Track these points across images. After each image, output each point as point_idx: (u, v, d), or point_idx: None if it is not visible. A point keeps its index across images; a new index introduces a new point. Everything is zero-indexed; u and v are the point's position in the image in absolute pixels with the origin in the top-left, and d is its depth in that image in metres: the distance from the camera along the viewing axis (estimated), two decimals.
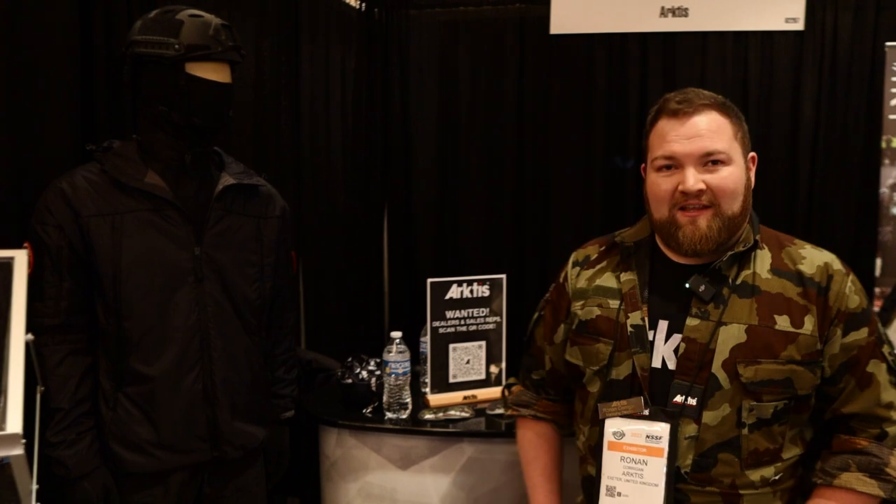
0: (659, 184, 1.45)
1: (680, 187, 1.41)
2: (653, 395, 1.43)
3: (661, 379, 1.44)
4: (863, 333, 1.42)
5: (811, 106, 3.19)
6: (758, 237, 1.48)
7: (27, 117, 1.87)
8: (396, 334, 2.21)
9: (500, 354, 2.39)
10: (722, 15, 3.24)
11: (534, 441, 1.72)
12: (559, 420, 1.72)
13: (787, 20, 3.19)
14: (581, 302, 1.58)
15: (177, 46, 1.66)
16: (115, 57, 1.93)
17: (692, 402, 1.40)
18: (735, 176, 1.41)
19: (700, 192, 1.39)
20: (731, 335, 1.40)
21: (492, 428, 2.15)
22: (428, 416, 2.19)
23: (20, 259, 1.58)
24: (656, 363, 1.45)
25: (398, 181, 3.47)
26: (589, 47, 3.33)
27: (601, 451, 1.47)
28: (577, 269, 1.64)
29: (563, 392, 1.70)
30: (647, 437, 1.43)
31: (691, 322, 1.43)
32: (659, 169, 1.45)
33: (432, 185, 3.48)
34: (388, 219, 3.50)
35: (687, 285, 1.44)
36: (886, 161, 3.02)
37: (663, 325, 1.46)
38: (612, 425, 1.47)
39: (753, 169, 1.48)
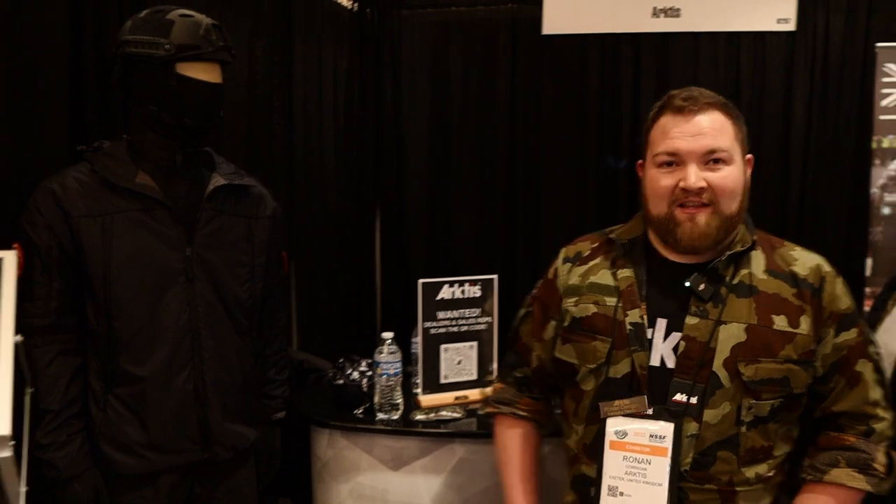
0: (659, 179, 1.45)
1: (681, 184, 1.42)
2: (652, 394, 1.44)
3: (660, 377, 1.44)
4: (853, 334, 1.46)
5: (803, 106, 3.20)
6: (755, 238, 1.50)
7: (17, 118, 1.86)
8: (388, 335, 2.21)
9: (491, 355, 2.39)
10: (714, 15, 3.24)
11: (512, 440, 1.71)
12: (540, 419, 1.72)
13: (778, 21, 3.20)
14: (574, 298, 1.57)
15: (167, 46, 1.66)
16: (106, 57, 1.92)
17: (693, 400, 1.41)
18: (735, 176, 1.43)
19: (701, 189, 1.41)
20: (731, 334, 1.42)
21: (483, 429, 2.14)
22: (419, 417, 2.19)
23: (9, 260, 1.58)
24: (655, 361, 1.45)
25: (390, 181, 3.46)
26: (581, 48, 3.33)
27: (602, 451, 1.47)
28: (569, 265, 1.63)
29: (547, 391, 1.70)
30: (651, 436, 1.42)
31: (691, 321, 1.43)
32: (660, 165, 1.46)
33: (424, 185, 3.48)
34: (380, 219, 3.49)
35: (687, 284, 1.45)
36: (877, 161, 3.03)
37: (662, 323, 1.46)
38: (613, 424, 1.46)
39: (750, 170, 1.50)
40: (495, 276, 2.39)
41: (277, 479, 2.20)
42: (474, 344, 2.36)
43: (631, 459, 1.44)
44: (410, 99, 3.44)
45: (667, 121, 1.46)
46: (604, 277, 1.55)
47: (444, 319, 2.32)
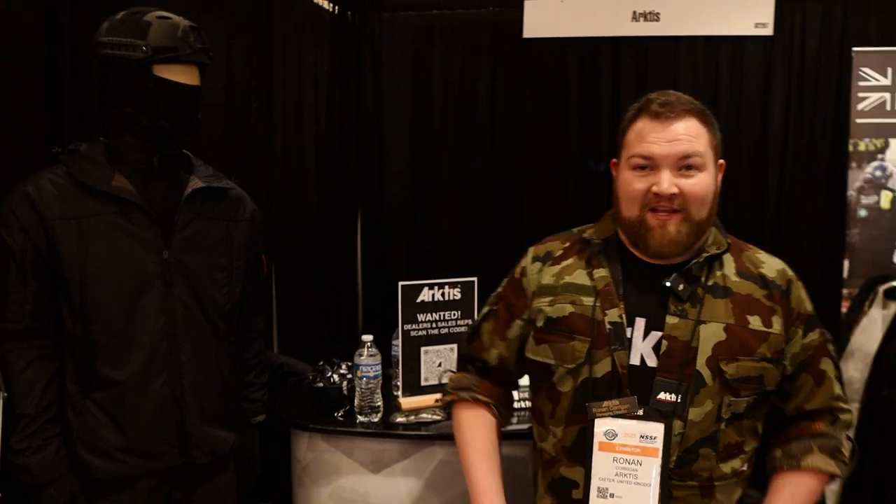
0: (632, 182, 1.47)
1: (654, 188, 1.43)
2: (633, 393, 1.45)
3: (640, 376, 1.45)
4: (817, 334, 1.53)
5: (780, 109, 3.24)
6: (729, 241, 1.54)
7: None
8: (367, 338, 2.21)
9: None
10: (693, 20, 3.27)
11: (471, 422, 1.67)
12: (499, 407, 1.69)
13: (756, 25, 3.23)
14: (549, 298, 1.56)
15: (144, 48, 1.65)
16: (82, 59, 1.91)
17: (677, 399, 1.42)
18: (706, 183, 1.45)
19: (673, 196, 1.43)
20: (711, 333, 1.44)
21: None
22: (399, 420, 2.19)
23: None
24: (635, 360, 1.46)
25: (371, 183, 3.47)
26: (562, 51, 3.35)
27: (590, 453, 1.46)
28: (539, 264, 1.63)
29: (507, 385, 1.71)
30: (642, 436, 1.43)
31: (671, 320, 1.45)
32: (634, 168, 1.47)
33: (405, 187, 3.49)
34: (361, 221, 3.50)
35: (668, 284, 1.46)
36: (853, 164, 3.07)
37: (640, 322, 1.48)
38: (602, 425, 1.45)
39: (721, 176, 1.52)
40: (475, 279, 2.39)
41: (257, 482, 2.18)
42: (454, 346, 2.36)
43: (621, 461, 1.44)
44: (391, 101, 3.45)
45: (644, 125, 1.47)
46: (579, 277, 1.55)
47: (424, 322, 2.32)
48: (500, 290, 1.71)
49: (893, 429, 2.41)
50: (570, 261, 1.59)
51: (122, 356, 1.69)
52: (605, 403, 1.45)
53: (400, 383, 2.33)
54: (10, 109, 1.88)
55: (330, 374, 2.35)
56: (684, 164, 1.43)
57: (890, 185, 3.05)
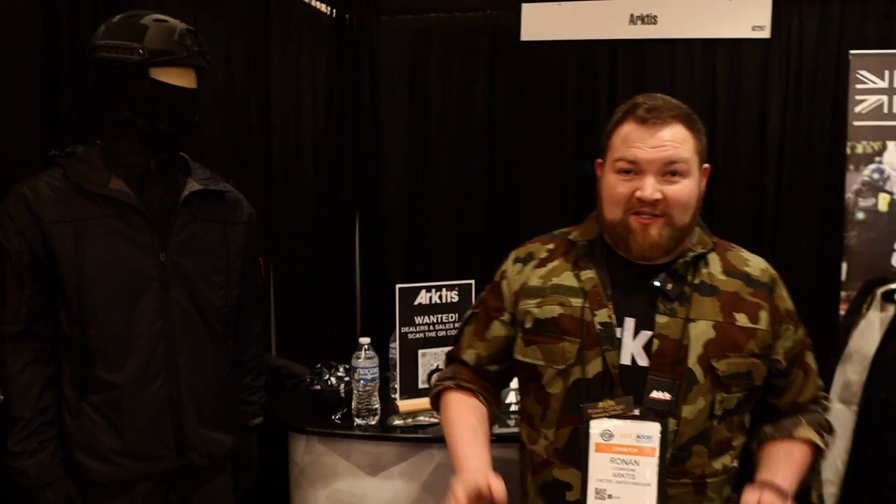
0: (616, 186, 1.48)
1: (638, 194, 1.45)
2: (625, 393, 1.45)
3: (632, 376, 1.46)
4: (801, 329, 1.58)
5: (778, 112, 3.24)
6: (714, 241, 1.57)
7: None
8: (364, 340, 2.21)
9: None
10: (690, 22, 3.28)
11: (455, 403, 1.63)
12: (484, 395, 1.66)
13: (753, 28, 3.23)
14: (537, 300, 1.57)
15: (141, 51, 1.65)
16: (79, 62, 1.91)
17: (671, 397, 1.43)
18: (689, 189, 1.47)
19: (656, 201, 1.44)
20: (701, 331, 1.46)
21: None
22: (397, 422, 2.19)
23: None
24: (625, 360, 1.47)
25: (369, 186, 3.47)
26: (559, 54, 3.36)
27: (587, 454, 1.46)
28: (519, 265, 1.64)
29: (491, 383, 1.69)
30: (638, 436, 1.43)
31: (661, 319, 1.46)
32: (619, 171, 1.48)
33: (403, 190, 3.49)
34: (359, 224, 3.50)
35: (657, 283, 1.48)
36: (851, 167, 3.07)
37: (630, 322, 1.48)
38: (597, 426, 1.45)
39: (705, 180, 1.54)
40: (472, 282, 2.39)
41: (254, 485, 2.18)
42: None
43: (619, 461, 1.44)
44: (389, 104, 3.45)
45: (630, 129, 1.48)
46: (567, 279, 1.56)
47: (421, 325, 2.32)
48: (482, 294, 1.73)
49: (891, 431, 2.40)
50: (556, 262, 1.60)
51: (119, 359, 1.69)
52: (601, 404, 1.45)
53: (397, 386, 2.33)
54: (7, 112, 1.88)
55: (327, 376, 2.35)
56: (669, 170, 1.45)
57: (888, 187, 3.05)
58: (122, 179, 1.72)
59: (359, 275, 3.52)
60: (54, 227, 1.64)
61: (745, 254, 1.60)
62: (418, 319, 2.32)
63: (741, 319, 1.48)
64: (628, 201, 1.46)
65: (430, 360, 2.33)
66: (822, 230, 3.24)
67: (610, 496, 1.44)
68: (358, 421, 2.18)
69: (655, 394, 1.44)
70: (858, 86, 3.05)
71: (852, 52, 3.06)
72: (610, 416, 1.45)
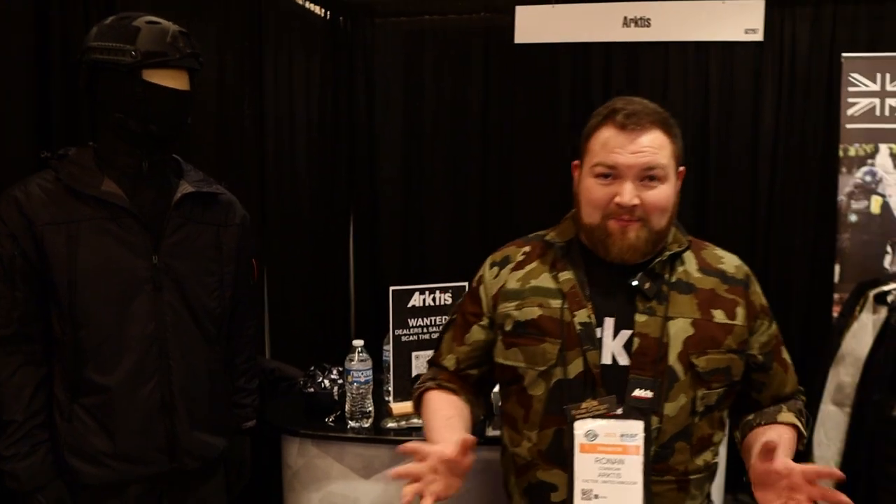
0: (594, 190, 1.49)
1: (616, 199, 1.46)
2: (608, 392, 1.46)
3: (613, 375, 1.46)
4: (774, 325, 1.61)
5: (771, 115, 3.25)
6: (689, 240, 1.59)
7: None
8: (358, 343, 2.21)
9: None
10: (684, 26, 3.28)
11: (435, 398, 1.62)
12: (468, 397, 1.65)
13: (746, 31, 3.24)
14: (516, 302, 1.57)
15: (133, 53, 1.64)
16: (72, 63, 1.91)
17: (652, 395, 1.44)
18: (667, 193, 1.48)
19: (634, 207, 1.45)
20: (680, 328, 1.47)
21: None
22: (390, 425, 2.18)
23: None
24: (606, 360, 1.48)
25: (363, 188, 3.47)
26: (553, 56, 3.36)
27: (572, 454, 1.46)
28: (496, 269, 1.64)
29: (472, 386, 1.68)
30: (622, 435, 1.43)
31: (640, 318, 1.48)
32: (597, 175, 1.49)
33: (397, 192, 3.49)
34: (353, 226, 3.50)
35: (635, 283, 1.49)
36: (844, 169, 3.08)
37: (609, 322, 1.49)
38: (582, 426, 1.46)
39: (680, 183, 1.55)
40: (466, 284, 2.38)
41: (247, 488, 2.18)
42: None
43: (604, 461, 1.44)
44: (383, 106, 3.46)
45: (610, 135, 1.49)
46: (545, 281, 1.56)
47: (415, 327, 2.32)
48: (460, 300, 1.74)
49: (884, 433, 2.42)
50: (533, 265, 1.60)
51: (111, 361, 1.69)
52: (584, 405, 1.46)
53: (391, 388, 2.32)
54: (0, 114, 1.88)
55: (321, 379, 2.34)
56: (647, 175, 1.46)
57: (880, 189, 3.06)
58: (114, 181, 1.72)
59: (353, 277, 3.52)
60: (46, 230, 1.63)
61: (720, 251, 1.61)
62: (412, 322, 2.32)
63: (718, 316, 1.50)
64: (607, 206, 1.47)
65: (424, 362, 2.32)
66: (815, 232, 3.25)
67: (596, 496, 1.44)
68: (351, 423, 2.18)
69: (638, 392, 1.44)
70: (851, 88, 3.07)
71: (844, 55, 3.08)
72: (593, 417, 1.45)
